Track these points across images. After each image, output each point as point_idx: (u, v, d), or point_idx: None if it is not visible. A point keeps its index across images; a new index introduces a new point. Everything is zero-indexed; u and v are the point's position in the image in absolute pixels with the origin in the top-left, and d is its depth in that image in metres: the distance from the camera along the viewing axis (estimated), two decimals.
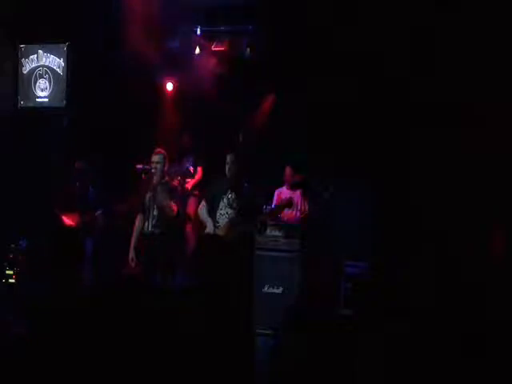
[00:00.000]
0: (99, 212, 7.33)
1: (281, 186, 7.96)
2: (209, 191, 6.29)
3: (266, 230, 6.66)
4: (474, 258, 6.26)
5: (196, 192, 8.38)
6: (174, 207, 6.31)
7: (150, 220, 6.33)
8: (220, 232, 6.10)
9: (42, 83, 8.51)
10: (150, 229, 6.32)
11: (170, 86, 9.03)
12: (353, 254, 7.00)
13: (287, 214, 7.49)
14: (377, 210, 7.27)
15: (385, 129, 7.33)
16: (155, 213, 6.35)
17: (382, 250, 6.95)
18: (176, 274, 6.57)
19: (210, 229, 6.09)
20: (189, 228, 8.17)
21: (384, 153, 7.34)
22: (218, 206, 6.14)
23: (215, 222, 6.15)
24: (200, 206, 6.34)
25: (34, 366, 3.78)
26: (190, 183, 8.42)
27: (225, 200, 6.10)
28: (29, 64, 8.55)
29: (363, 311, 6.56)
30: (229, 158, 6.12)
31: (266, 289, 6.77)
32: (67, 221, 7.26)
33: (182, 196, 7.41)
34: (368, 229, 7.31)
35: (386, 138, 7.31)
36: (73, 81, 8.40)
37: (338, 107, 7.45)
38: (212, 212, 6.23)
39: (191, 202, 8.36)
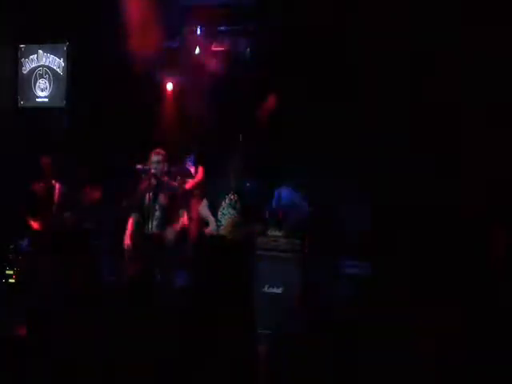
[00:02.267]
0: (68, 214, 7.08)
1: (280, 185, 7.95)
2: (211, 190, 6.28)
3: (266, 230, 6.65)
4: (475, 258, 6.26)
5: (196, 192, 8.38)
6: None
7: (151, 221, 6.32)
8: (223, 232, 6.09)
9: (42, 83, 8.51)
10: (151, 229, 6.32)
11: (170, 86, 9.03)
12: (353, 254, 6.99)
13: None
14: (377, 210, 7.27)
15: (385, 129, 7.32)
16: (157, 213, 6.35)
17: (382, 249, 6.95)
18: (177, 275, 6.56)
19: (212, 228, 6.08)
20: (190, 228, 8.16)
21: (384, 153, 7.34)
22: (221, 206, 6.13)
23: (217, 221, 6.14)
24: (202, 204, 6.33)
25: (35, 365, 3.78)
26: (189, 183, 8.40)
27: (227, 200, 6.09)
28: (29, 64, 8.55)
29: (363, 311, 6.56)
30: (231, 158, 6.11)
31: (265, 289, 6.77)
32: (33, 224, 7.03)
33: (183, 196, 7.37)
34: (368, 229, 7.30)
35: (386, 138, 7.31)
36: (73, 81, 8.40)
37: (339, 106, 7.45)
38: (214, 211, 6.21)
39: (192, 202, 8.35)
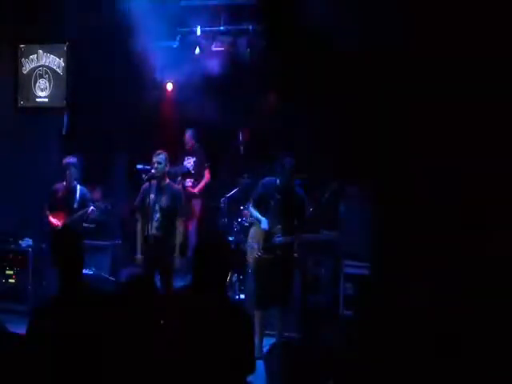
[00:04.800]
0: (92, 208, 7.02)
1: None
2: (256, 192, 6.25)
3: None
4: (475, 258, 6.25)
5: (197, 192, 8.40)
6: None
7: (152, 222, 6.29)
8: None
9: (42, 83, 8.50)
10: (151, 231, 6.28)
11: (169, 86, 9.03)
12: (353, 254, 7.00)
13: None
14: (377, 210, 7.27)
15: (385, 128, 7.31)
16: (157, 214, 6.33)
17: (382, 249, 6.95)
18: (177, 277, 6.55)
19: (263, 227, 6.05)
20: (191, 228, 8.19)
21: (385, 152, 7.33)
22: (266, 209, 6.12)
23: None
24: (249, 207, 6.30)
25: (35, 366, 3.78)
26: (198, 186, 8.41)
27: (272, 203, 6.08)
28: (29, 64, 8.54)
29: (363, 311, 6.56)
30: (286, 161, 6.05)
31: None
32: (53, 221, 7.02)
33: (186, 196, 7.37)
34: (368, 228, 7.30)
35: (386, 138, 7.30)
36: (73, 81, 8.40)
37: (339, 107, 7.44)
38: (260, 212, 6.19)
39: (195, 203, 8.37)
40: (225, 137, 8.42)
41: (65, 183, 7.12)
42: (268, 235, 6.02)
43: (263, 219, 6.05)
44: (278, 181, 6.06)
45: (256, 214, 6.14)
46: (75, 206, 7.03)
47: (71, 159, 7.08)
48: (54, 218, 7.04)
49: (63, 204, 7.04)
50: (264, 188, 6.13)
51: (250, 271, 6.31)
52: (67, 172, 7.05)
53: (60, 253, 3.81)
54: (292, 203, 6.06)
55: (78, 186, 7.11)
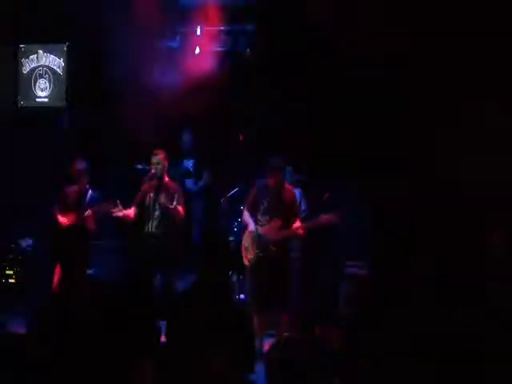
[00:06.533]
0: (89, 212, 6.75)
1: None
2: (249, 195, 6.25)
3: None
4: (474, 258, 6.26)
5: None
6: (180, 209, 6.32)
7: (152, 221, 6.32)
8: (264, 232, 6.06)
9: (42, 83, 8.51)
10: (151, 230, 6.33)
11: (169, 86, 9.00)
12: (353, 254, 7.00)
13: None
14: (377, 210, 7.28)
15: (384, 128, 7.32)
16: (157, 214, 6.35)
17: (383, 249, 6.96)
18: (176, 276, 6.55)
19: (252, 229, 6.05)
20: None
21: (383, 152, 7.34)
22: (259, 211, 6.12)
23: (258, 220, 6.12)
24: (244, 213, 6.29)
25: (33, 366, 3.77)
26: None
27: (263, 204, 6.09)
28: (29, 64, 8.55)
29: (363, 311, 6.57)
30: (271, 161, 6.07)
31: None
32: (62, 220, 6.99)
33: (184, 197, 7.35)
34: (368, 228, 7.31)
35: (385, 138, 7.31)
36: (73, 81, 8.41)
37: (339, 107, 7.45)
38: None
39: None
40: (225, 137, 8.41)
41: (77, 187, 6.96)
42: (258, 236, 6.01)
43: (250, 222, 6.06)
44: (268, 181, 6.07)
45: (246, 218, 6.14)
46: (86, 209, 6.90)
47: (83, 165, 6.90)
48: (63, 217, 6.90)
49: (74, 208, 6.93)
50: (256, 190, 6.14)
51: (246, 273, 6.29)
52: (81, 177, 6.88)
53: None
54: (282, 202, 6.07)
55: (90, 191, 6.96)
